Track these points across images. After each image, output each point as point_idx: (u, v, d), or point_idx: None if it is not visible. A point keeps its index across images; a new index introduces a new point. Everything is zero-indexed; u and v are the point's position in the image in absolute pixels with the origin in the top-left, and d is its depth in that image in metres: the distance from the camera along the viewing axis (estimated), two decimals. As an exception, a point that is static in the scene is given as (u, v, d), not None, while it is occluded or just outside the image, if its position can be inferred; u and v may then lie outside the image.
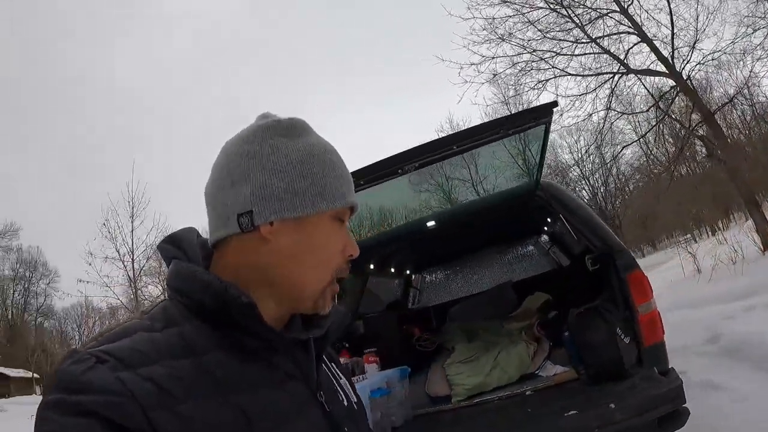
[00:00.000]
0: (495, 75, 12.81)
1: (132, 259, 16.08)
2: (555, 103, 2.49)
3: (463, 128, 2.68)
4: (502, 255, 5.71)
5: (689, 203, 24.74)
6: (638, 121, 16.38)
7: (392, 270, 5.50)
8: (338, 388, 0.88)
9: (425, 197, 3.57)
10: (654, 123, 13.47)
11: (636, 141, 15.92)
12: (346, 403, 0.87)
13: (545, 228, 4.43)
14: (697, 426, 3.49)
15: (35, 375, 40.45)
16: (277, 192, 0.74)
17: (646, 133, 14.40)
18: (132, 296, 16.38)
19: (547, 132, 2.65)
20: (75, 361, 0.62)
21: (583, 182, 36.11)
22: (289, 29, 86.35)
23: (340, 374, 0.93)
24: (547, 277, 4.68)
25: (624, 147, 16.01)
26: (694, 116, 12.29)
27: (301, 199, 0.74)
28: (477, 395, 3.10)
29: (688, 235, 28.28)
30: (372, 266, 4.67)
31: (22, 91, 67.69)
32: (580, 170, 32.84)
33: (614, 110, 12.70)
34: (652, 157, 25.09)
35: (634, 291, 2.60)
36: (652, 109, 13.17)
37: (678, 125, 13.89)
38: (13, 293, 46.68)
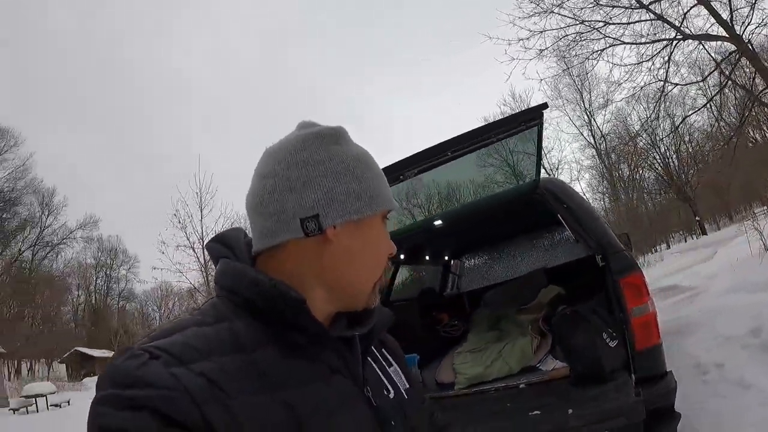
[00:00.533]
0: (541, 51, 12.33)
1: (202, 246, 16.77)
2: (545, 105, 2.51)
3: (463, 131, 2.67)
4: (526, 245, 5.73)
5: (765, 172, 22.97)
6: (707, 86, 15.32)
7: (424, 257, 5.59)
8: (385, 380, 0.89)
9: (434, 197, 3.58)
10: (717, 90, 12.51)
11: (696, 111, 14.90)
12: (392, 395, 0.88)
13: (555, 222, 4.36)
14: (714, 424, 3.37)
15: (119, 354, 43.38)
16: (340, 196, 0.77)
17: (708, 102, 13.39)
18: (204, 280, 17.16)
19: (540, 133, 2.66)
20: (128, 357, 0.63)
21: (654, 151, 34.35)
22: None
23: (392, 360, 0.95)
24: (566, 269, 4.60)
25: (684, 118, 15.05)
26: (758, 81, 11.34)
27: (361, 201, 0.78)
28: (477, 384, 3.18)
29: (765, 207, 26.37)
30: (403, 255, 4.78)
31: (91, 82, 71.84)
32: (650, 137, 31.12)
33: (669, 82, 11.88)
34: (722, 122, 23.50)
35: (628, 294, 2.54)
36: (714, 75, 12.25)
37: (743, 91, 12.84)
38: (96, 279, 50.38)
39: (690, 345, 5.81)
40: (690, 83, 13.17)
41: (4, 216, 35.26)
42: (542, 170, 2.93)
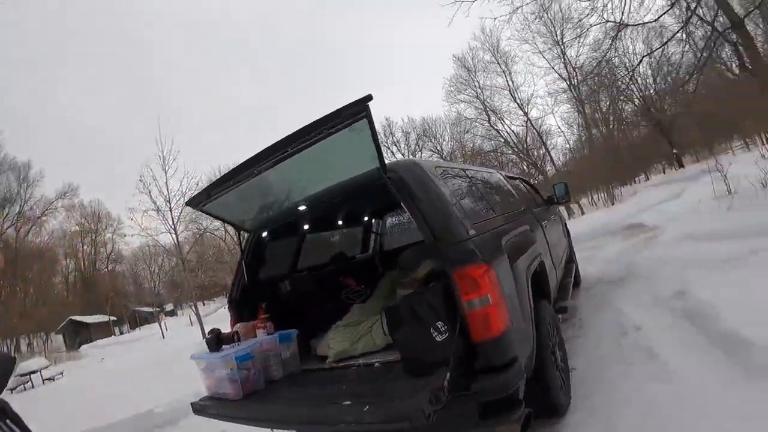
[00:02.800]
0: None
1: (170, 208, 17.61)
2: (369, 97, 2.45)
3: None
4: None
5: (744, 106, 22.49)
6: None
7: (337, 222, 5.47)
8: None
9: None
10: (680, 26, 11.98)
11: (654, 52, 14.29)
12: None
13: None
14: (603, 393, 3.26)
15: (112, 318, 43.98)
16: None
17: (669, 39, 12.83)
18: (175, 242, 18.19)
19: (371, 123, 2.56)
20: None
21: (631, 83, 33.09)
22: None
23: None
24: None
25: (641, 59, 14.46)
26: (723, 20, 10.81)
27: None
28: (346, 359, 3.24)
29: (741, 142, 25.93)
30: (308, 225, 4.66)
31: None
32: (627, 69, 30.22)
33: (624, 23, 11.33)
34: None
35: (461, 286, 2.39)
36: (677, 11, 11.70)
37: (709, 28, 12.25)
38: (83, 246, 50.20)
39: (622, 299, 5.68)
40: (641, 23, 12.51)
41: (-19, 197, 34.77)
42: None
